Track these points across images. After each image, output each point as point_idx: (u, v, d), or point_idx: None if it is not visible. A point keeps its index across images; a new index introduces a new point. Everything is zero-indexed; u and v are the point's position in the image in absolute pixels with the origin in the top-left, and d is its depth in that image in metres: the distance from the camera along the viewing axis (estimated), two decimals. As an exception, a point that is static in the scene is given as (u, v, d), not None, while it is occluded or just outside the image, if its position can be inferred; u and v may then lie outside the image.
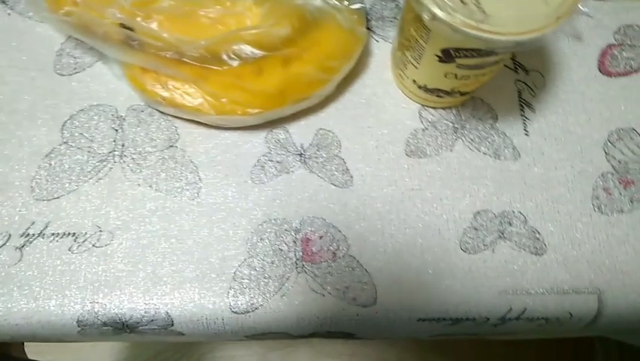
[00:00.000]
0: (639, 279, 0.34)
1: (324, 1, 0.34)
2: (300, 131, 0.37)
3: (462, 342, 1.08)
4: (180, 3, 0.34)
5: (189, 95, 0.33)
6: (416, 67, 0.34)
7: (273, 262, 0.33)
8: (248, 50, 0.31)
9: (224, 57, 0.32)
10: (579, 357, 1.11)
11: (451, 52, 0.30)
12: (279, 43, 0.32)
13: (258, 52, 0.32)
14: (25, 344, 0.40)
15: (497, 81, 0.38)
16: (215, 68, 0.32)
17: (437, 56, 0.31)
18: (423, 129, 0.37)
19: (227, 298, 0.32)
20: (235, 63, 0.32)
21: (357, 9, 0.36)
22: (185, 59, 0.32)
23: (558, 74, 0.39)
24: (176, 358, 1.08)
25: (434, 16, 0.27)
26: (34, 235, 0.33)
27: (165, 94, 0.33)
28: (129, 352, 1.07)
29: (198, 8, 0.34)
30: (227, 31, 0.32)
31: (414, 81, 0.35)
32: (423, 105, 0.38)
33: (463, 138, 0.37)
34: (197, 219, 0.34)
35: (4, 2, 0.39)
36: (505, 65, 0.39)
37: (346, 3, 0.35)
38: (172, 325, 0.32)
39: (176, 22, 0.34)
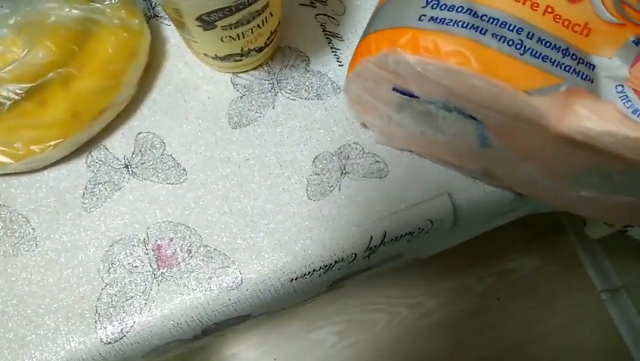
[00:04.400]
0: (483, 164, 0.35)
1: (81, 9, 0.32)
2: (120, 144, 0.36)
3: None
4: None
5: (-21, 153, 0.32)
6: (195, 41, 0.32)
7: (131, 282, 0.33)
8: (10, 88, 0.30)
9: (-8, 104, 0.30)
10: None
11: (205, 18, 0.29)
12: (43, 70, 0.31)
13: (22, 86, 0.30)
14: None
15: (298, 22, 0.38)
16: (-12, 117, 0.30)
17: (198, 26, 0.30)
18: (240, 97, 0.37)
19: (96, 332, 0.32)
20: (6, 106, 0.30)
21: (125, 3, 0.34)
22: (-44, 120, 0.30)
23: (356, -6, 0.39)
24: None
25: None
26: None
27: (-45, 160, 0.32)
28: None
29: (-44, 62, 0.32)
30: (-16, 77, 0.30)
31: (205, 54, 0.34)
32: (233, 73, 0.37)
33: (282, 92, 0.37)
34: (44, 268, 0.33)
35: None
36: (302, 4, 0.38)
37: (107, 2, 0.33)
38: (54, 378, 0.32)
39: (-62, 84, 0.31)
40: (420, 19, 0.24)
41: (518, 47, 0.23)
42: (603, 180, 0.27)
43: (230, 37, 0.31)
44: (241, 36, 0.31)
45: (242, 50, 0.33)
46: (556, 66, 0.23)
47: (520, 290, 1.13)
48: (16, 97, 0.30)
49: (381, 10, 0.27)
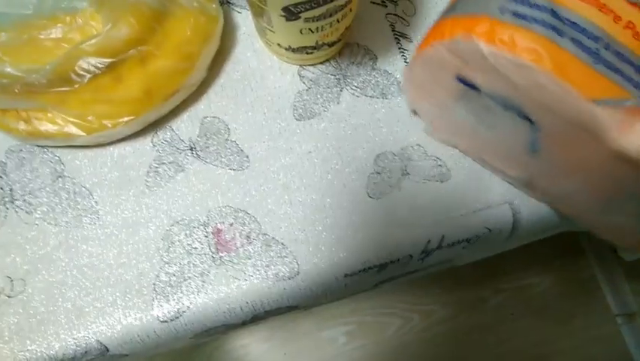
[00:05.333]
0: (545, 176, 0.35)
1: (163, -11, 0.32)
2: (185, 126, 0.36)
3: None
4: (18, 32, 0.32)
5: (54, 124, 0.32)
6: (273, 31, 0.33)
7: (189, 263, 0.33)
8: (92, 61, 0.30)
9: (73, 76, 0.30)
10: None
11: (291, 9, 0.29)
12: (124, 46, 0.31)
13: (104, 60, 0.30)
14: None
15: (368, 20, 0.38)
16: (68, 88, 0.31)
17: (282, 16, 0.30)
18: (306, 89, 0.37)
19: (153, 310, 0.32)
20: (86, 78, 0.31)
21: (203, -13, 0.34)
22: (35, 89, 0.31)
23: (427, -3, 0.39)
24: (187, 362, 1.08)
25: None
26: (-57, 304, 0.32)
27: (29, 128, 0.32)
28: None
29: (38, 32, 0.32)
30: (69, 49, 0.31)
31: (279, 45, 0.34)
32: (301, 65, 0.37)
33: (347, 88, 0.37)
34: (104, 242, 0.34)
35: None
36: (373, 2, 0.38)
37: (188, -15, 0.33)
38: (107, 351, 0.32)
39: (18, 52, 0.32)
40: (501, 11, 0.24)
41: (594, 55, 0.23)
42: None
43: (309, 29, 0.31)
44: (320, 29, 0.32)
45: (316, 43, 0.33)
46: (627, 81, 0.23)
47: (535, 308, 1.12)
48: (97, 71, 0.31)
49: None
